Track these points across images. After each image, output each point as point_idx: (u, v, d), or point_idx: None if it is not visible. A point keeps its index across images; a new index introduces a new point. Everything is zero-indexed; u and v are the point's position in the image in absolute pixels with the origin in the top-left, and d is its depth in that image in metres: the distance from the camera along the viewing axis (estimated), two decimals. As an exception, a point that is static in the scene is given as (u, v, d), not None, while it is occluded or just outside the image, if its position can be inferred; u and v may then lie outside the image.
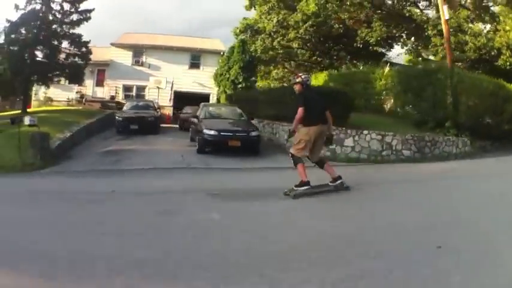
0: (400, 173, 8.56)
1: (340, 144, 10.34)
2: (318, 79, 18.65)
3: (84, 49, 18.80)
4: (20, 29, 17.56)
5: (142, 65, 24.34)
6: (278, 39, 22.57)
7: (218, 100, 22.22)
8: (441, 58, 18.68)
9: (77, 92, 23.71)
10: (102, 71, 22.46)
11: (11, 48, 17.27)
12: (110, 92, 24.10)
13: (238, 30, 24.43)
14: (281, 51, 23.57)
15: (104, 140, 14.11)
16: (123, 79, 23.24)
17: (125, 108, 16.87)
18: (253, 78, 21.57)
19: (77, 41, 18.70)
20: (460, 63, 18.48)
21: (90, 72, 22.50)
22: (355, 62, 24.75)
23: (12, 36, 17.30)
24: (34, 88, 22.57)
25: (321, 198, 5.50)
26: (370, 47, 23.35)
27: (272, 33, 22.53)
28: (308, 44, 23.64)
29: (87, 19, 18.58)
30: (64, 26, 18.43)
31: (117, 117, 15.35)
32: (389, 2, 21.18)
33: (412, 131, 11.43)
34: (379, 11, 20.41)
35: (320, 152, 5.96)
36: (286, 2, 21.67)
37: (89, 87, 23.85)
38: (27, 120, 10.69)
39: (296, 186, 5.32)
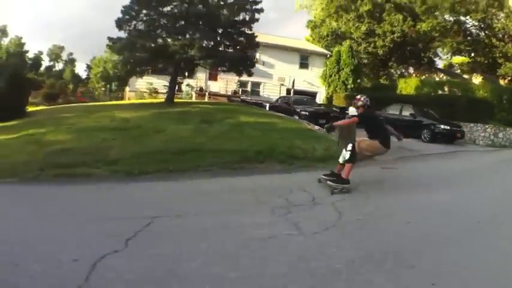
0: None
1: (496, 136, 19.56)
2: (409, 84, 27.62)
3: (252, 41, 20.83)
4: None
5: (256, 61, 30.05)
6: (364, 45, 30.91)
7: (329, 99, 29.53)
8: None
9: (187, 85, 28.81)
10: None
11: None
12: (226, 86, 30.20)
13: (324, 33, 32.48)
14: (364, 55, 31.94)
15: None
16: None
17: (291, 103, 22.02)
18: (359, 80, 29.57)
19: (242, 31, 20.21)
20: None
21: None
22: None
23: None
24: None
25: None
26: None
27: (361, 40, 30.81)
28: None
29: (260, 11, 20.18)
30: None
31: (302, 112, 19.84)
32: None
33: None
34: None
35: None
36: (374, 14, 30.17)
37: (201, 80, 29.47)
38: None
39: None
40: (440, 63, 40.56)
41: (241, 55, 20.05)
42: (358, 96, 7.94)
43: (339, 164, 7.33)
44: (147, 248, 4.07)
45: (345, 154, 7.13)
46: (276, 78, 30.95)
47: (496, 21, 31.08)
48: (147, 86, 28.50)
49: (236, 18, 19.36)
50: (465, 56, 35.64)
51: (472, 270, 4.00)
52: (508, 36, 30.84)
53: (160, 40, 19.22)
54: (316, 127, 15.44)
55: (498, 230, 5.51)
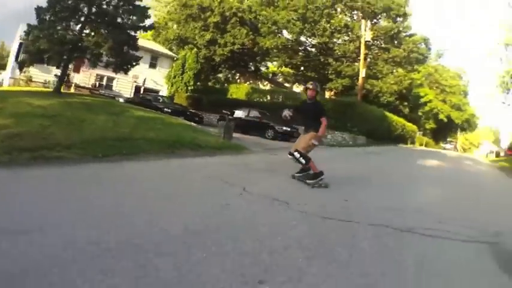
0: (354, 150, 23.19)
1: (324, 138, 24.82)
2: (240, 89, 33.00)
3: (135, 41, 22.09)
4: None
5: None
6: (205, 51, 34.69)
7: (171, 97, 31.71)
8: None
9: (55, 75, 28.20)
10: (80, 57, 23.95)
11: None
12: (89, 79, 31.46)
13: (171, 37, 35.23)
14: (202, 60, 35.58)
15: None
16: (96, 68, 25.70)
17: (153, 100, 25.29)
18: (198, 83, 33.04)
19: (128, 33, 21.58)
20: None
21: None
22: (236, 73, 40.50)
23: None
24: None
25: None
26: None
27: (203, 46, 34.46)
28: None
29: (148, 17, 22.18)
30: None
31: (165, 109, 23.13)
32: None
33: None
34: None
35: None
36: (219, 25, 34.16)
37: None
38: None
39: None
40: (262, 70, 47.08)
41: (136, 55, 21.99)
42: (316, 83, 8.80)
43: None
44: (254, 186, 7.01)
45: (299, 161, 7.91)
46: (130, 75, 32.23)
47: (336, 44, 38.50)
48: (25, 75, 28.90)
49: (141, 24, 21.49)
50: (293, 69, 42.31)
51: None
52: (344, 57, 38.37)
53: (70, 33, 20.00)
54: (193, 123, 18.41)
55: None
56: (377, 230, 5.09)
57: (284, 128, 23.04)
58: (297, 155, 7.90)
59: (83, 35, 20.23)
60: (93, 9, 20.27)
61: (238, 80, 44.87)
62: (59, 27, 19.70)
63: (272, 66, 46.40)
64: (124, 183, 6.70)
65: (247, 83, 44.07)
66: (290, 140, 22.61)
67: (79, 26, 20.49)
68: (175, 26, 38.29)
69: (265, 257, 3.68)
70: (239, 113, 22.74)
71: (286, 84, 47.65)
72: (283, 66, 41.92)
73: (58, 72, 27.17)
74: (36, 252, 3.21)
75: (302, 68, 41.56)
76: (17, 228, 3.72)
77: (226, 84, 41.91)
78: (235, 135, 17.18)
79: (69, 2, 19.58)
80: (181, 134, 13.48)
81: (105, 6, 20.39)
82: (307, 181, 7.80)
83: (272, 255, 3.74)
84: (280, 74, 46.33)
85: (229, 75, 45.92)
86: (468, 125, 78.89)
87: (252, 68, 43.14)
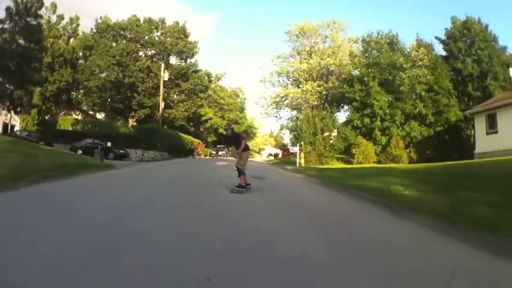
0: (168, 162, 37.54)
1: (143, 155, 39.46)
2: (66, 121, 45.87)
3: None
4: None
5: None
6: (39, 88, 45.00)
7: (29, 131, 40.84)
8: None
9: None
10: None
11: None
12: None
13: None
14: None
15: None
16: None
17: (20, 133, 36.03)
18: (40, 117, 43.58)
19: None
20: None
21: None
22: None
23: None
24: None
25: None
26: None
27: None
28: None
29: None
30: None
31: (40, 143, 32.97)
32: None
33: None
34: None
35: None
36: (51, 65, 45.04)
37: None
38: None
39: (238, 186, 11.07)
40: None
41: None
42: (230, 125, 13.14)
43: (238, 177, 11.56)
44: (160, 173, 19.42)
45: (236, 172, 11.61)
46: (3, 113, 41.74)
47: (140, 82, 52.22)
48: None
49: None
50: (102, 100, 54.57)
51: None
52: (145, 91, 52.86)
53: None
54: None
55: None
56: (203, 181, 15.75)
57: (120, 151, 35.37)
58: (235, 168, 11.68)
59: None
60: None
61: (54, 110, 53.27)
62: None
63: (79, 96, 56.56)
64: (113, 179, 14.84)
65: (62, 113, 53.96)
66: (124, 159, 34.23)
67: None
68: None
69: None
70: (109, 143, 34.24)
71: (91, 112, 59.19)
72: (96, 99, 53.75)
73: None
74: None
75: (109, 100, 54.65)
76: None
77: (46, 116, 50.23)
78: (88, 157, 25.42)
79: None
80: (81, 160, 20.26)
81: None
82: (236, 188, 11.20)
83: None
84: (85, 103, 57.61)
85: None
86: (246, 134, 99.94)
87: (65, 98, 52.96)
